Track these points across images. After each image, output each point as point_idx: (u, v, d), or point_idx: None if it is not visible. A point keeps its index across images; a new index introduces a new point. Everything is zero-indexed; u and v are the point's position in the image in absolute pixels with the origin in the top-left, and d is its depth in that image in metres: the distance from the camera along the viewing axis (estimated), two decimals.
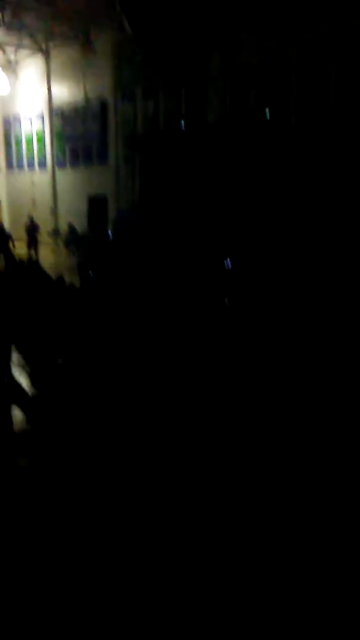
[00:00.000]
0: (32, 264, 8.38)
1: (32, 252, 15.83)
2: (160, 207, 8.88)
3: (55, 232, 20.14)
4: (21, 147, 22.98)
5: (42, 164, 21.63)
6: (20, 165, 23.32)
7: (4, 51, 19.37)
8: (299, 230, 7.48)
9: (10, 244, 13.57)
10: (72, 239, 17.36)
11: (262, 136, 8.14)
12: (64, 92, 19.38)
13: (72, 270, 10.15)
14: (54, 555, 3.60)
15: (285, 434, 5.02)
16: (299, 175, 7.65)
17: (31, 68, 20.76)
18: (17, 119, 22.79)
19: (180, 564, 3.50)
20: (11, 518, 4.05)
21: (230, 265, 7.58)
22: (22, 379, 5.98)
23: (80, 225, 17.35)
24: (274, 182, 7.70)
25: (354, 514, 3.99)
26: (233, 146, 8.43)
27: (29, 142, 22.33)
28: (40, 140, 21.49)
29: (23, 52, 19.78)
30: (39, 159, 21.83)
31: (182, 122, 12.93)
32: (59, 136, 20.24)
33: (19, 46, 19.08)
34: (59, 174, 20.69)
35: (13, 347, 6.03)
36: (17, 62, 20.70)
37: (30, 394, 5.78)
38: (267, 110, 9.50)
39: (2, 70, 20.23)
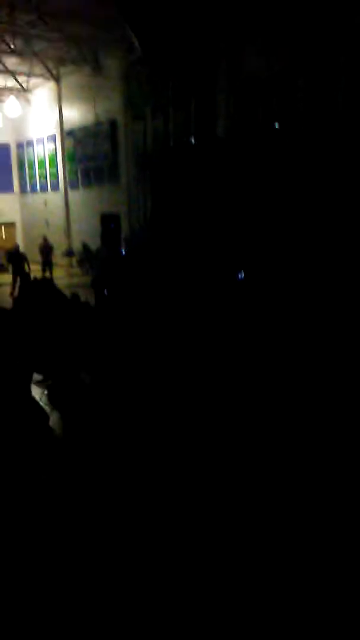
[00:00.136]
0: (48, 284, 8.45)
1: (47, 272, 15.99)
2: (173, 224, 8.92)
3: (69, 253, 20.38)
4: (34, 169, 23.44)
5: (55, 185, 22.00)
6: (34, 188, 23.76)
7: (16, 78, 19.86)
8: (319, 250, 7.41)
9: (26, 266, 13.72)
10: (87, 258, 17.53)
11: (275, 151, 8.14)
12: (75, 114, 19.79)
13: (86, 289, 10.23)
14: (60, 556, 3.56)
15: (294, 436, 4.99)
16: (315, 190, 7.61)
17: (43, 93, 21.27)
18: (30, 143, 23.31)
19: (181, 563, 3.45)
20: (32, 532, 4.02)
21: (243, 278, 7.54)
22: (40, 398, 5.99)
23: (94, 244, 17.54)
24: (289, 197, 7.66)
25: (354, 513, 3.94)
26: (244, 161, 8.45)
27: (42, 164, 22.78)
28: (53, 162, 21.90)
29: (35, 79, 20.28)
30: (52, 181, 22.23)
31: (192, 139, 13.05)
32: (71, 158, 20.61)
33: (30, 73, 19.58)
34: (72, 194, 21.02)
35: (32, 368, 6.07)
36: (29, 88, 21.22)
37: (48, 413, 5.78)
38: (276, 124, 9.54)
39: (15, 96, 20.74)
